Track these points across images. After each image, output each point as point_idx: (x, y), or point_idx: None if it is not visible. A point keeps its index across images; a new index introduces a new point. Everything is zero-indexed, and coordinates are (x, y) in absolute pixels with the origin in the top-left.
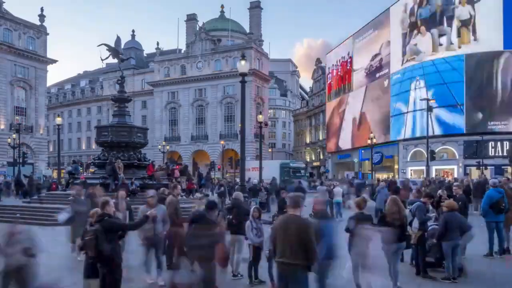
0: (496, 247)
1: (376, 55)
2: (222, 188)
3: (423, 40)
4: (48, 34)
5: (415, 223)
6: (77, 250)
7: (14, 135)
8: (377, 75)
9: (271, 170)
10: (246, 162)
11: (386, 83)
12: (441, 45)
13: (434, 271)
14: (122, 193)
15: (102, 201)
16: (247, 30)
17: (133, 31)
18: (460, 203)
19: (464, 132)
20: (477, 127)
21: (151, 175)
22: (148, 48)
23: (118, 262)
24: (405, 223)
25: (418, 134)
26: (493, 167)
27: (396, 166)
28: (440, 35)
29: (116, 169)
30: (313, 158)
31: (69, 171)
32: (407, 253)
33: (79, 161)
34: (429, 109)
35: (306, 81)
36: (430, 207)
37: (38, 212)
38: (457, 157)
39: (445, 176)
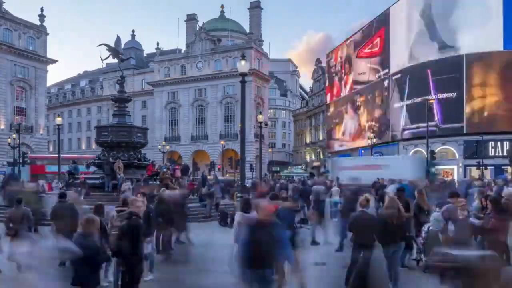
0: None
1: (376, 55)
2: (212, 189)
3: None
4: (48, 34)
5: (451, 227)
6: None
7: (14, 135)
8: (377, 75)
9: (399, 169)
10: (353, 159)
11: (386, 83)
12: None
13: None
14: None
15: (133, 200)
16: (247, 30)
17: (133, 31)
18: None
19: (465, 132)
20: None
21: (151, 175)
22: (148, 48)
23: (139, 261)
24: (404, 222)
25: None
26: (493, 167)
27: None
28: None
29: (114, 169)
30: (313, 158)
31: (68, 171)
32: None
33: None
34: (429, 109)
35: (306, 75)
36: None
37: None
38: (457, 157)
39: (446, 176)
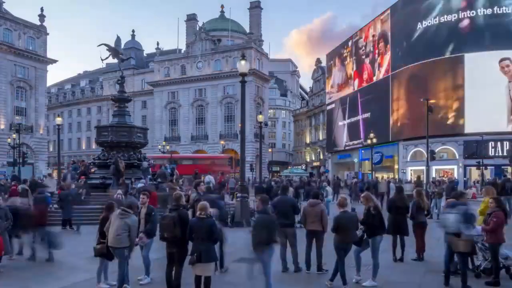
0: None
1: (377, 55)
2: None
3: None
4: (48, 34)
5: (468, 229)
6: None
7: (14, 135)
8: (378, 74)
9: None
10: None
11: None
12: None
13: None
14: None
15: (176, 195)
16: (247, 30)
17: (133, 31)
18: None
19: (464, 131)
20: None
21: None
22: (148, 48)
23: (186, 244)
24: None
25: None
26: (493, 167)
27: (396, 166)
28: None
29: (120, 169)
30: (313, 158)
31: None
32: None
33: (79, 161)
34: (430, 109)
35: (306, 65)
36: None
37: None
38: (457, 157)
39: (446, 175)
